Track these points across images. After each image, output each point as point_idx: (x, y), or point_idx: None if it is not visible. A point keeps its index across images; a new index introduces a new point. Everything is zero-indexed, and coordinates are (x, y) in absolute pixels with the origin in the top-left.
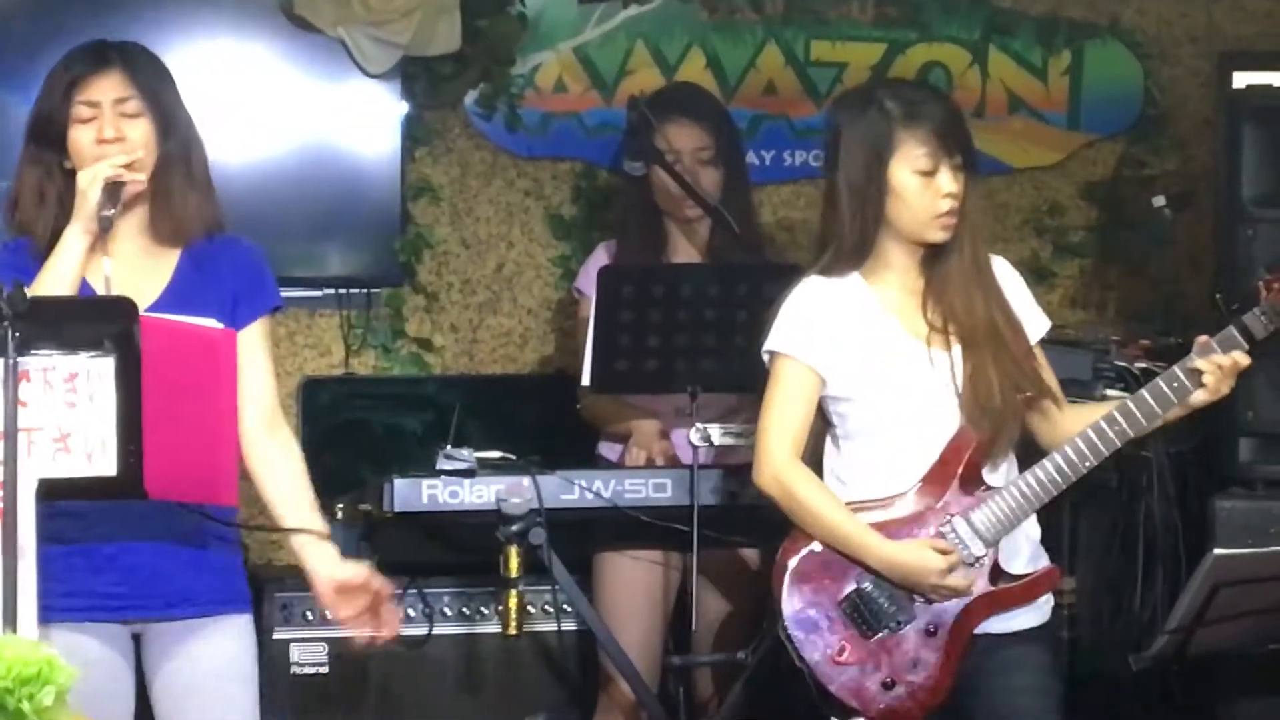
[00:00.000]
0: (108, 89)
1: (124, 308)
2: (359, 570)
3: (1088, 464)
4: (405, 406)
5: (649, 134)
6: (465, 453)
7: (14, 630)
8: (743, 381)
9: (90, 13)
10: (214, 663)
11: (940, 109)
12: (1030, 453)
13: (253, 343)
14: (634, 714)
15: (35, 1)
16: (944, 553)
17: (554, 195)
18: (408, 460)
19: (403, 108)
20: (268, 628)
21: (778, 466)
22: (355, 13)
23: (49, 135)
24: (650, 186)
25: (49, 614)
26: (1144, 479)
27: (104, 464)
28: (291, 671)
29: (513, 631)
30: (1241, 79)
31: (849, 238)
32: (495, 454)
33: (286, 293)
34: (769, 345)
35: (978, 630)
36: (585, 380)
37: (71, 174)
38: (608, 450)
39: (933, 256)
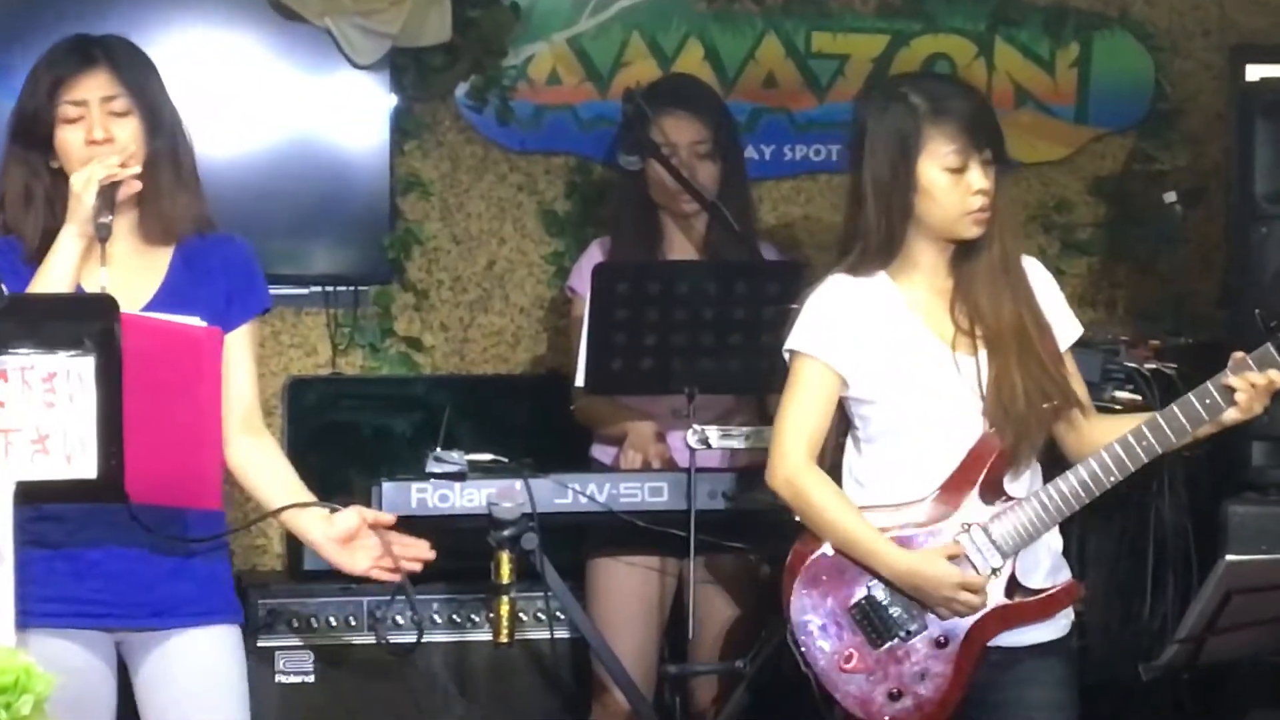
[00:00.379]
0: (94, 87)
1: (105, 305)
2: (349, 516)
3: (1112, 479)
4: (394, 408)
5: (645, 127)
6: (456, 455)
7: None
8: (741, 382)
9: (68, 3)
10: (199, 674)
11: (968, 103)
12: (1055, 463)
13: (240, 344)
14: None
15: None
16: (956, 560)
17: (547, 190)
18: (396, 463)
19: (391, 100)
20: (252, 635)
21: (792, 469)
22: (343, 2)
23: (34, 135)
24: (646, 181)
25: (30, 619)
26: (1154, 484)
27: (84, 466)
28: (277, 680)
29: (504, 639)
30: (1255, 72)
31: (875, 237)
32: (486, 456)
33: (272, 290)
34: (790, 344)
35: (991, 643)
36: (579, 381)
37: (58, 173)
38: (601, 453)
39: (962, 255)
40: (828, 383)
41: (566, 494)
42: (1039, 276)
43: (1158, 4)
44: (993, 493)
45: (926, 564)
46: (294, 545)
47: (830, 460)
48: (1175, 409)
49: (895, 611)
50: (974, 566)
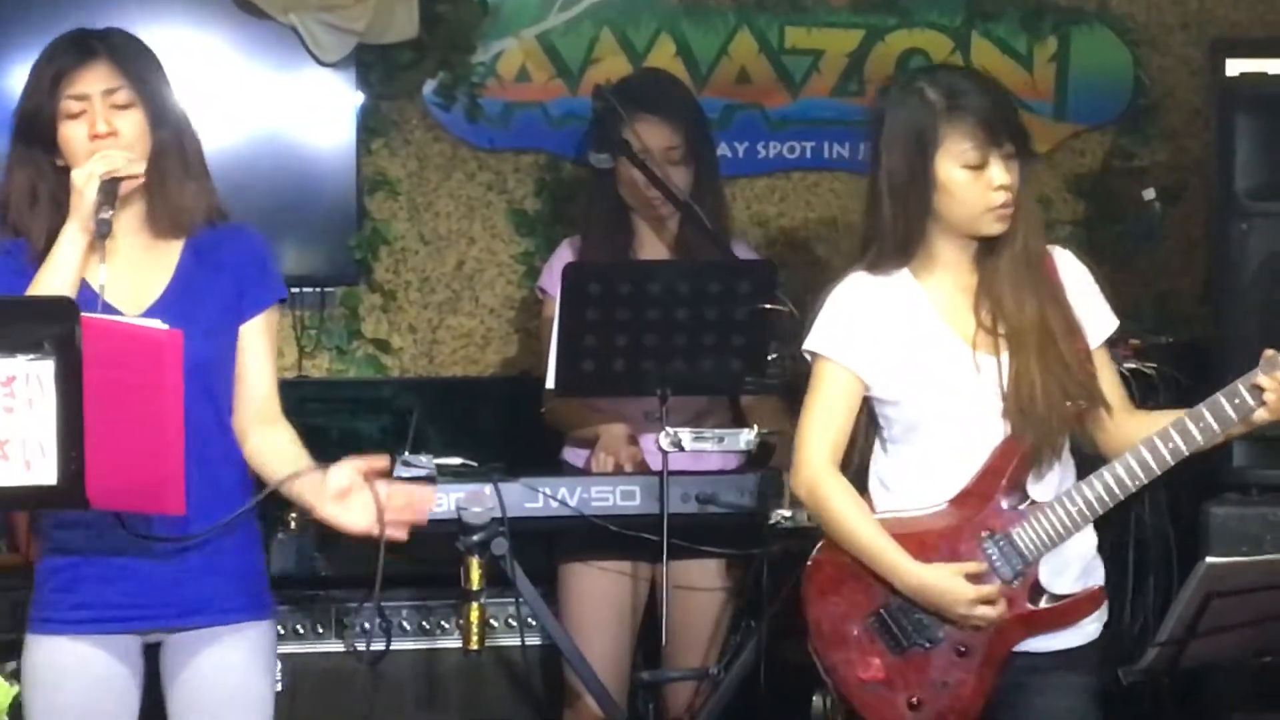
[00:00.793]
0: (95, 80)
1: (64, 308)
2: (340, 471)
3: (1138, 482)
4: (361, 410)
5: (616, 125)
6: (424, 459)
7: None
8: (715, 383)
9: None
10: (225, 672)
11: (986, 97)
12: (1090, 462)
13: (254, 336)
14: None
15: None
16: (975, 576)
17: (517, 189)
18: None
19: (358, 98)
20: None
21: (813, 475)
22: None
23: (37, 132)
24: (617, 179)
25: (56, 626)
26: None
27: (44, 472)
28: None
29: (474, 646)
30: (1235, 67)
31: (891, 236)
32: (455, 460)
33: None
34: (809, 345)
35: (1017, 649)
36: (550, 383)
37: (64, 171)
38: (573, 456)
39: (985, 251)
40: (848, 386)
41: (537, 498)
42: (1072, 270)
43: None
44: (1015, 496)
45: (939, 580)
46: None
47: (859, 460)
48: (1203, 409)
49: (915, 619)
50: (996, 573)
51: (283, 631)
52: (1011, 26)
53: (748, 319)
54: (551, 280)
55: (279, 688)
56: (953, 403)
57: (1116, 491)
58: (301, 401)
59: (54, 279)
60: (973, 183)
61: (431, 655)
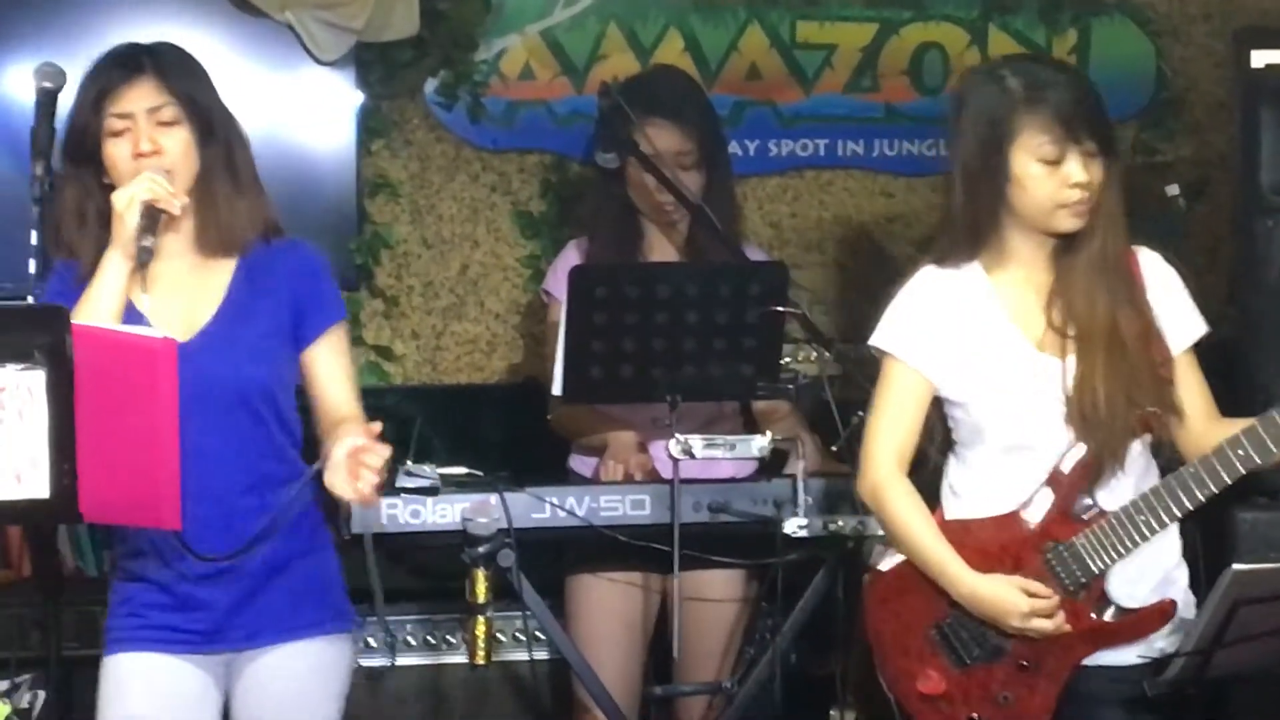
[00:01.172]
0: (140, 98)
1: (55, 316)
2: (338, 450)
3: (1206, 492)
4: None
5: (623, 124)
6: (428, 469)
7: None
8: (726, 388)
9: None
10: (284, 682)
11: (1069, 91)
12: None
13: (322, 358)
14: None
15: None
16: (1035, 593)
17: (522, 190)
18: None
19: (358, 98)
20: None
21: (877, 479)
22: None
23: (84, 151)
24: (625, 180)
25: (128, 644)
26: None
27: (35, 485)
28: None
29: (481, 661)
30: (1260, 58)
31: (961, 226)
32: (460, 470)
33: None
34: (878, 341)
35: (1086, 662)
36: (556, 389)
37: (112, 189)
38: (580, 464)
39: (1063, 249)
40: (917, 387)
41: (544, 508)
42: (1157, 272)
43: None
44: (1081, 505)
45: (993, 590)
46: None
47: (933, 464)
48: (1275, 414)
49: (978, 632)
50: (1058, 585)
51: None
52: (1030, 19)
53: (759, 322)
54: (557, 284)
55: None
56: (1012, 405)
57: (1184, 500)
58: (301, 411)
59: (97, 305)
60: (1047, 177)
61: (437, 670)
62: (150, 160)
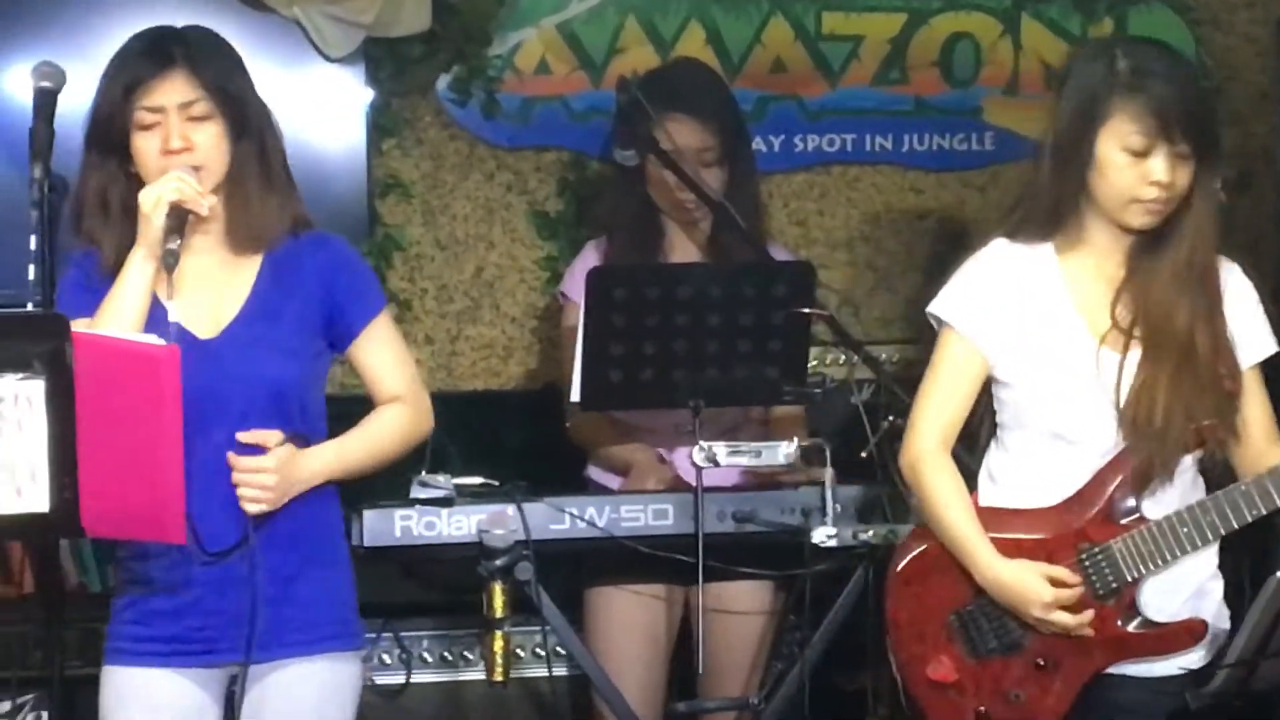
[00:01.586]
0: (171, 92)
1: (54, 324)
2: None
3: (1255, 512)
4: None
5: (643, 119)
6: (442, 479)
7: None
8: (750, 393)
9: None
10: (289, 703)
11: (1173, 86)
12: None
13: (369, 351)
14: None
15: None
16: (1063, 584)
17: (538, 189)
18: (378, 488)
19: (368, 95)
20: None
21: (918, 453)
22: None
23: (110, 140)
24: (645, 178)
25: (129, 658)
26: None
27: (35, 498)
28: None
29: (499, 677)
30: None
31: (1044, 198)
32: (476, 480)
33: None
34: (939, 308)
35: (1126, 672)
36: (574, 396)
37: (137, 179)
38: (599, 474)
39: (1144, 246)
40: (972, 362)
41: (563, 519)
42: (1237, 286)
43: None
44: (1123, 510)
45: (1017, 576)
46: None
47: (985, 442)
48: None
49: (998, 623)
50: (1089, 586)
51: None
52: (1065, 7)
53: (785, 324)
54: (575, 285)
55: None
56: (1061, 392)
57: (1230, 518)
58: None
59: (121, 306)
60: (1129, 168)
61: (454, 687)
62: (180, 157)
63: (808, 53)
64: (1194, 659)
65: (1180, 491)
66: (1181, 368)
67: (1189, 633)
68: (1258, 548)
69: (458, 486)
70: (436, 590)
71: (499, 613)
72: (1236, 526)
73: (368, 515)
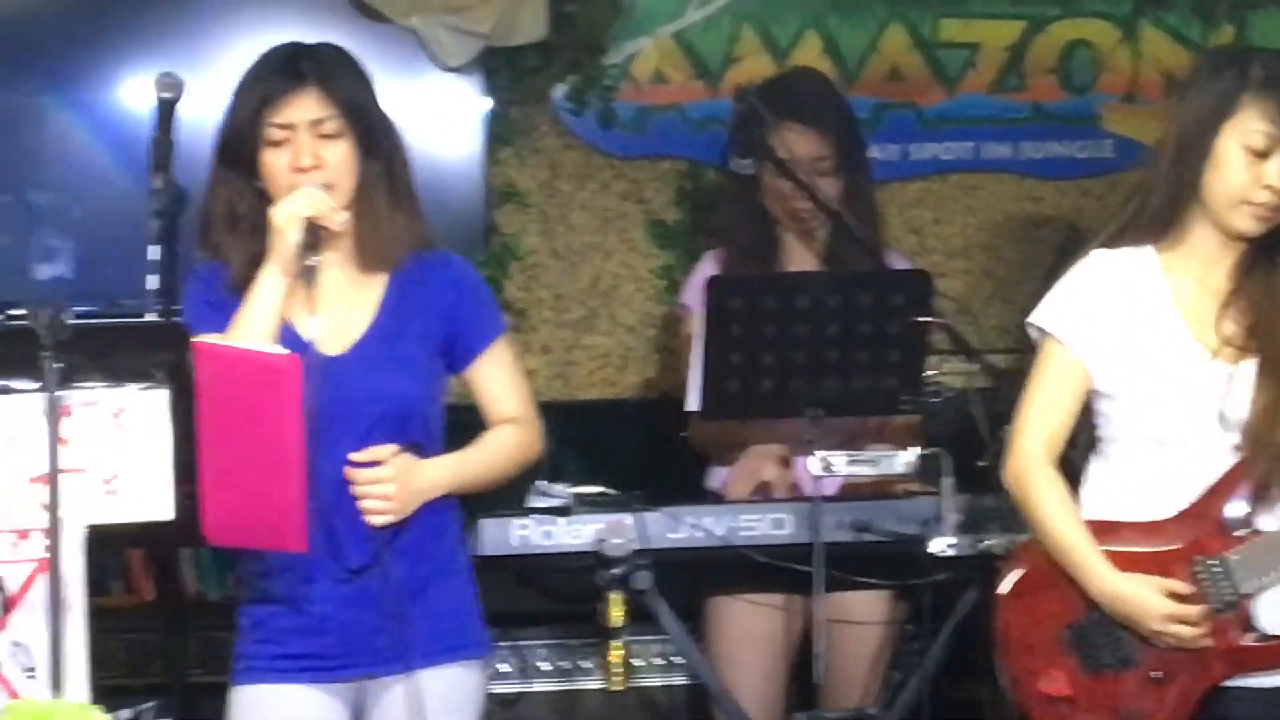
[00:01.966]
0: (303, 109)
1: (175, 333)
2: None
3: None
4: None
5: (760, 128)
6: (560, 488)
7: (61, 693)
8: (868, 402)
9: (143, 10)
10: (415, 715)
11: None
12: None
13: (485, 373)
14: None
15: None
16: (1179, 597)
17: (655, 199)
18: (495, 498)
19: (485, 104)
20: None
21: (1023, 465)
22: (430, 1)
23: (239, 155)
24: (762, 188)
25: (258, 676)
26: None
27: (158, 508)
28: None
29: (617, 687)
30: None
31: (1159, 194)
32: (594, 489)
33: None
34: (1041, 319)
35: (1243, 684)
36: (693, 405)
37: (264, 194)
38: (720, 482)
39: (1258, 259)
40: (1075, 374)
41: (681, 528)
42: None
43: None
44: (1238, 522)
45: (1134, 590)
46: None
47: (1082, 456)
48: None
49: (1112, 637)
50: (1206, 599)
51: None
52: (1184, 13)
53: (902, 333)
54: (693, 295)
55: None
56: (1165, 399)
57: None
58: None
59: (253, 321)
60: (1246, 168)
61: (572, 696)
62: (310, 175)
63: (925, 60)
64: None
65: None
66: None
67: None
68: None
69: (575, 495)
70: (553, 599)
71: (616, 622)
72: None
73: (485, 524)
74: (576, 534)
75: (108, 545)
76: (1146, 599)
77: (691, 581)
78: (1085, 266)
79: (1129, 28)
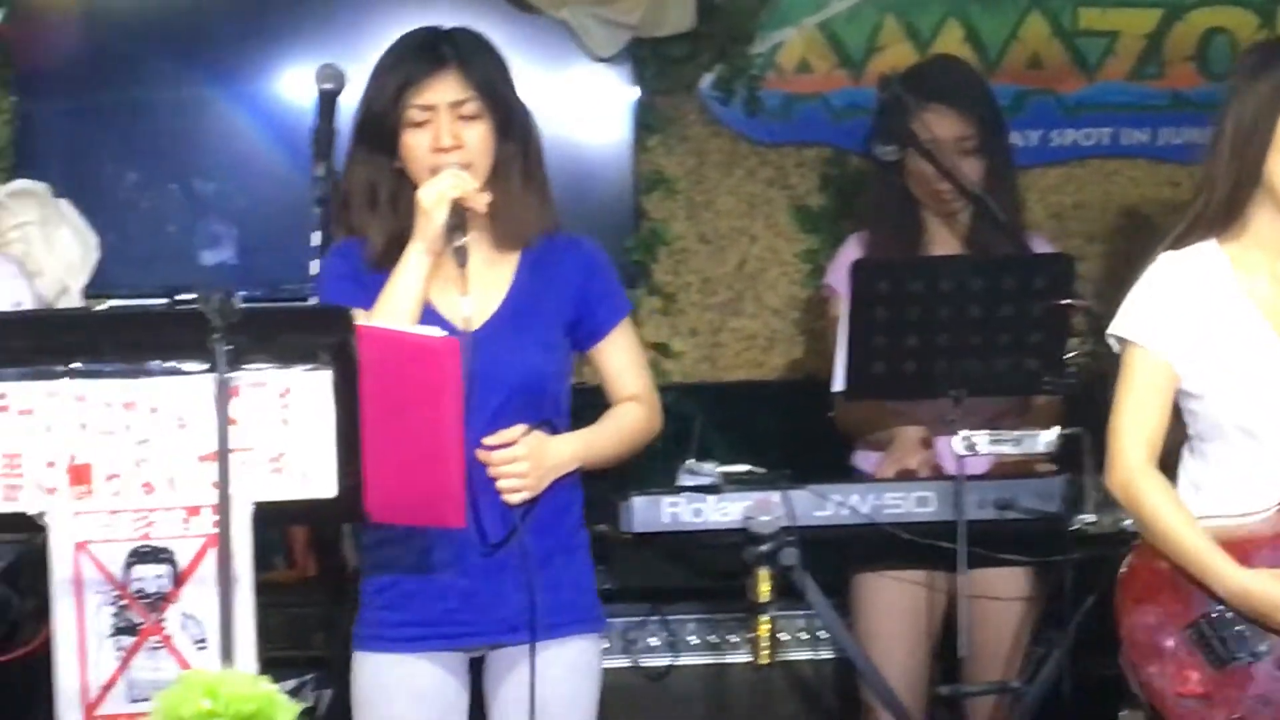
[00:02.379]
0: (443, 91)
1: (340, 317)
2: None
3: None
4: None
5: (902, 115)
6: (709, 467)
7: (231, 664)
8: (1011, 383)
9: (304, 4)
10: (548, 688)
11: None
12: None
13: (610, 353)
14: None
15: None
16: None
17: (799, 184)
18: (646, 476)
19: (633, 93)
20: None
21: (1128, 473)
22: None
23: (380, 136)
24: (905, 172)
25: (384, 644)
26: None
27: (322, 485)
28: None
29: (764, 661)
30: None
31: (1220, 188)
32: (742, 468)
33: None
34: (1117, 329)
35: None
36: (838, 386)
37: (402, 175)
38: (864, 461)
39: None
40: (1162, 375)
41: (827, 506)
42: None
43: None
44: None
45: (1265, 586)
46: None
47: (1174, 458)
48: None
49: (1236, 631)
50: None
51: None
52: None
53: (1044, 316)
54: (838, 278)
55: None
56: (1249, 388)
57: None
58: (580, 409)
59: (397, 298)
60: None
61: (720, 670)
62: (450, 155)
63: (1064, 48)
64: None
65: None
66: None
67: None
68: None
69: (724, 474)
70: (702, 575)
71: (764, 597)
72: None
73: (637, 501)
74: (725, 511)
75: (273, 522)
76: (1273, 592)
77: (837, 558)
78: (1155, 271)
79: (1267, 15)
